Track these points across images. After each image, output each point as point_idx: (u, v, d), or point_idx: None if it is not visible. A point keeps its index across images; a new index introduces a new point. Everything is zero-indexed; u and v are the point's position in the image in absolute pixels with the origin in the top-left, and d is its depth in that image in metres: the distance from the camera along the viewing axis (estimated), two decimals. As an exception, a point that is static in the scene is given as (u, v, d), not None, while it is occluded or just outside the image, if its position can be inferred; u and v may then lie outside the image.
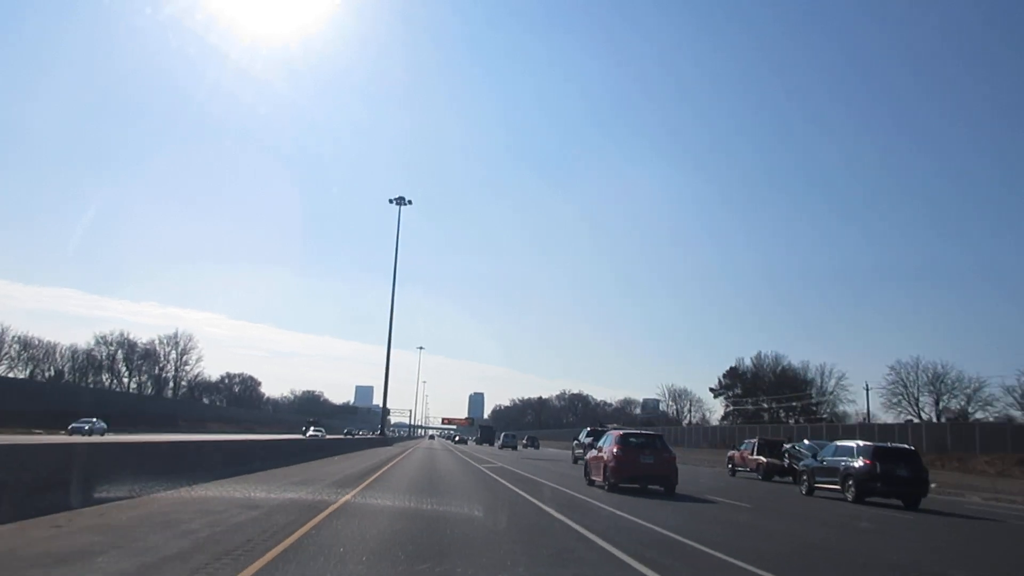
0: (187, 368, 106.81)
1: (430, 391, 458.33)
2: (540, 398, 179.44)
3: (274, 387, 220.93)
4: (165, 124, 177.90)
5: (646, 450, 18.12)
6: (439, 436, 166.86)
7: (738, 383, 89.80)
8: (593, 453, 20.21)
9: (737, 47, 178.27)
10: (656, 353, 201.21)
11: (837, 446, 21.52)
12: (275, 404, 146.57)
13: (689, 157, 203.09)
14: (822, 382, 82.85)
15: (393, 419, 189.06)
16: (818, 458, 21.81)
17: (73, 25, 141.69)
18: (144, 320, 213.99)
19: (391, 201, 57.22)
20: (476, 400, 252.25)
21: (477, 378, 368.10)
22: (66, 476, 8.90)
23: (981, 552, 11.08)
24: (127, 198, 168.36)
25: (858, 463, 19.15)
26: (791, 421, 74.20)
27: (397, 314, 63.16)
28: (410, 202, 57.48)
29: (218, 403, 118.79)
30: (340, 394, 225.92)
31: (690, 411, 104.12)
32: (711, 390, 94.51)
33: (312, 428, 65.39)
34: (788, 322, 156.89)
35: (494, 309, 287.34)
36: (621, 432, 20.24)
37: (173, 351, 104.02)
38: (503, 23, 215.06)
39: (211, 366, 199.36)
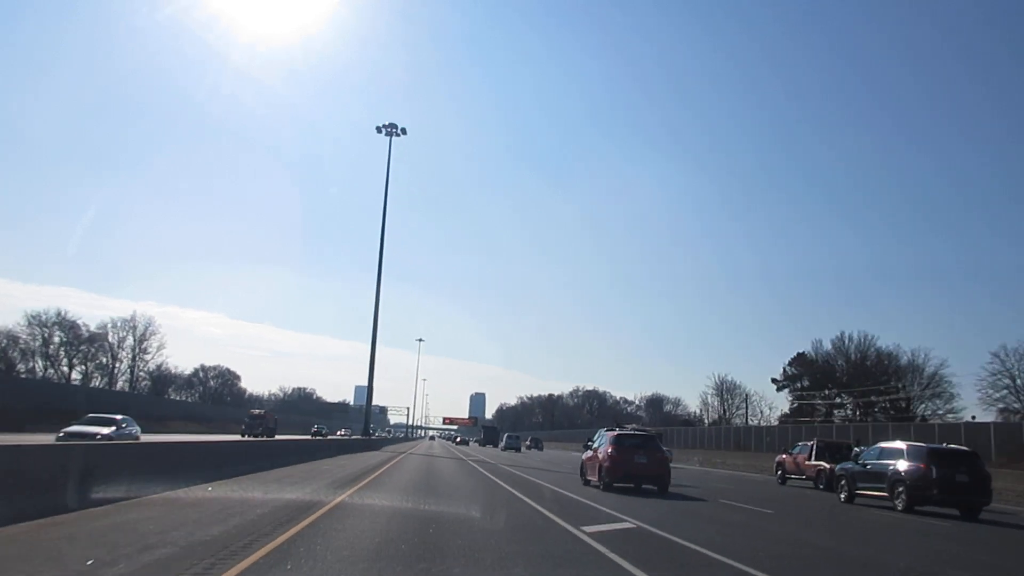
0: (147, 357, 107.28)
1: (431, 391, 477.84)
2: (551, 396, 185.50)
3: (267, 386, 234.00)
4: (165, 124, 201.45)
5: (640, 450, 21.30)
6: (439, 437, 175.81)
7: (806, 374, 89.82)
8: (588, 454, 23.40)
9: (738, 47, 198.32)
10: (692, 350, 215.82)
11: (882, 448, 22.66)
12: (259, 402, 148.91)
13: (692, 155, 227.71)
14: (914, 373, 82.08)
15: (392, 419, 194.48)
16: (860, 461, 23.01)
17: (73, 25, 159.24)
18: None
19: (379, 130, 54.38)
20: (477, 400, 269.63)
21: (478, 379, 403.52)
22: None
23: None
24: (127, 197, 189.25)
25: (908, 467, 20.24)
26: (868, 419, 74.25)
27: (396, 315, 65.50)
28: (404, 131, 54.75)
29: (189, 399, 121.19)
30: (340, 394, 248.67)
31: (746, 408, 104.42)
32: (773, 381, 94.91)
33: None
34: (845, 315, 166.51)
35: (495, 309, 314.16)
36: (615, 433, 22.95)
37: (129, 336, 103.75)
38: (504, 23, 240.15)
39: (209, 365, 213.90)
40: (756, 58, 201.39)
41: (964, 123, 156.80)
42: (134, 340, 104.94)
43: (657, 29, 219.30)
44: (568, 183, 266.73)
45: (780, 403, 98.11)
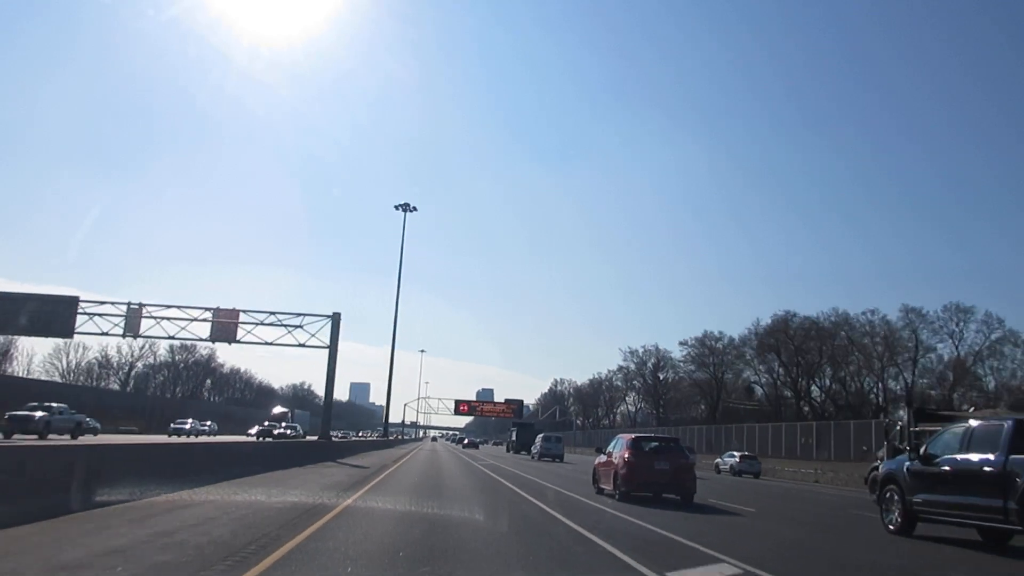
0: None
1: (432, 391, 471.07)
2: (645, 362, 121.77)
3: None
4: (168, 126, 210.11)
5: (661, 456, 19.52)
6: (443, 439, 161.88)
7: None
8: (602, 458, 21.51)
9: (739, 45, 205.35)
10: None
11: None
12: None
13: (693, 153, 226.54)
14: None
15: (391, 418, 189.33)
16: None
17: (76, 28, 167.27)
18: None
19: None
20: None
21: (479, 380, 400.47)
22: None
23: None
24: (129, 199, 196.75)
25: None
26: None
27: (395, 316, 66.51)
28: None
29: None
30: (338, 394, 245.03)
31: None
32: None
33: None
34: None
35: (494, 309, 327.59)
36: (632, 436, 21.07)
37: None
38: (510, 23, 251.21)
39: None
40: (757, 54, 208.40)
41: (965, 123, 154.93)
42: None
43: (658, 24, 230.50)
44: (572, 182, 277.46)
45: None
